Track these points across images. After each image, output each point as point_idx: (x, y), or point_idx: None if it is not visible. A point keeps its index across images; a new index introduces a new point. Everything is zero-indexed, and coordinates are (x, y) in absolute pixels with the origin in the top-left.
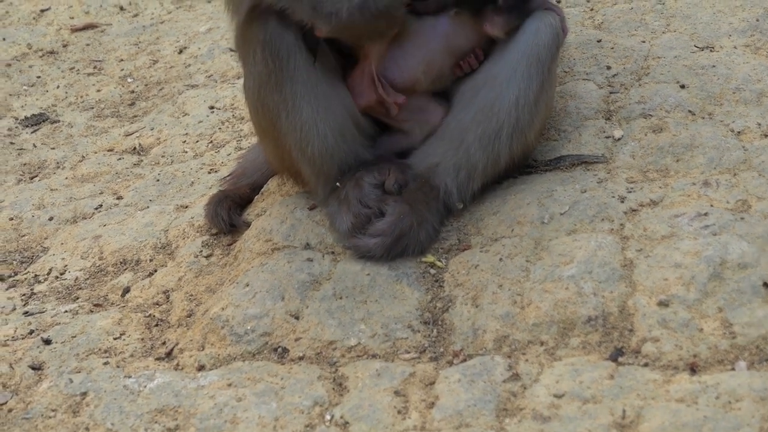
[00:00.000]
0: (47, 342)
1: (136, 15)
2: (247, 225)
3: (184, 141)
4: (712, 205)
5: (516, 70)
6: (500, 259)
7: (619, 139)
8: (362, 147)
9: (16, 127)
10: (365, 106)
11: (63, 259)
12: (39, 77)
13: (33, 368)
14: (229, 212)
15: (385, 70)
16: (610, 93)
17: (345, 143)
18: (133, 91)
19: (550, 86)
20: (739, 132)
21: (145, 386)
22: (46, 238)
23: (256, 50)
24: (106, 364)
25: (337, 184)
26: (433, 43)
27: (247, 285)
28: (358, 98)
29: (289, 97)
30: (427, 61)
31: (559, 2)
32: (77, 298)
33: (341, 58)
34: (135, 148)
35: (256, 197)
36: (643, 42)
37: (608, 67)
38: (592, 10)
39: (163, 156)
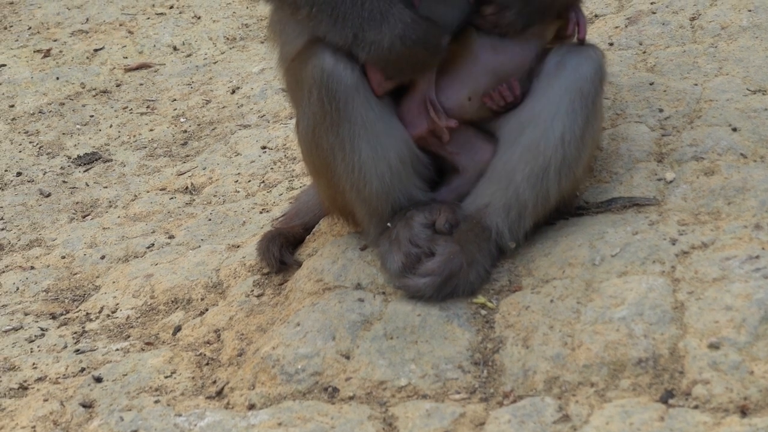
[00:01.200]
0: (98, 380)
1: (189, 55)
2: (298, 264)
3: (236, 181)
4: (763, 248)
5: (559, 106)
6: (551, 301)
7: (670, 181)
8: (416, 188)
9: (69, 166)
10: (417, 137)
11: (114, 297)
12: (92, 116)
13: (84, 406)
14: (281, 250)
15: (435, 97)
16: (662, 135)
17: (401, 183)
18: (185, 131)
19: (595, 120)
20: None
21: (196, 425)
22: (97, 277)
23: (311, 91)
24: (156, 402)
25: (388, 224)
26: (477, 68)
27: (298, 324)
28: (410, 128)
29: (346, 138)
30: (472, 85)
31: (611, 45)
32: (128, 337)
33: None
34: (187, 188)
35: (307, 237)
36: (696, 85)
37: (660, 110)
38: (644, 53)
39: (215, 195)
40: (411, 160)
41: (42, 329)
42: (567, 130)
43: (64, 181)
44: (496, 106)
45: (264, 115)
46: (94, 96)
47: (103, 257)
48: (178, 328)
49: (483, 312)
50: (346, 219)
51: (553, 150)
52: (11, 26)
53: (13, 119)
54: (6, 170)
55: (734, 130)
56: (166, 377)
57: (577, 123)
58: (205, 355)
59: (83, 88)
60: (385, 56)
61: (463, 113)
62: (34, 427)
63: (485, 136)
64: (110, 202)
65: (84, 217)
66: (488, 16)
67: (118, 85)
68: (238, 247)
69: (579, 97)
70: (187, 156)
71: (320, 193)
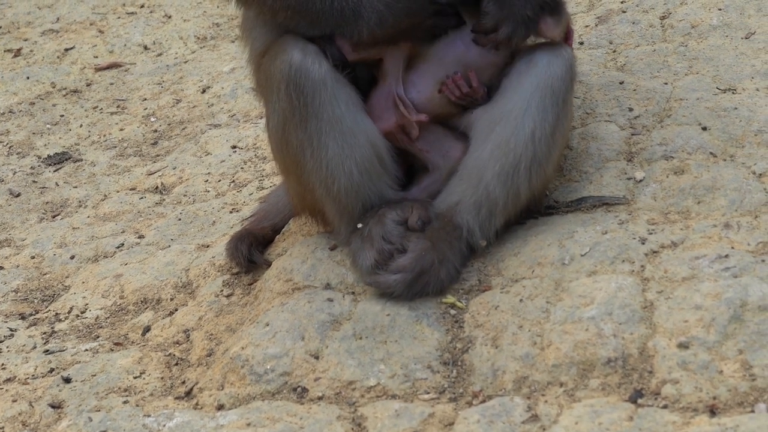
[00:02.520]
0: (67, 380)
1: (159, 54)
2: (268, 264)
3: (206, 180)
4: (732, 247)
5: (530, 103)
6: (520, 300)
7: (640, 180)
8: (386, 186)
9: (39, 166)
10: (386, 131)
11: (84, 297)
12: (62, 116)
13: (53, 407)
14: (250, 248)
15: (403, 91)
16: (632, 135)
17: (370, 180)
18: (155, 131)
19: (565, 118)
20: (760, 174)
21: (164, 425)
22: (67, 277)
23: (280, 87)
24: (125, 403)
25: (359, 225)
26: (449, 58)
27: (268, 324)
28: (378, 122)
29: (314, 134)
30: (442, 76)
31: (581, 44)
32: (98, 337)
33: (360, 87)
34: (157, 187)
35: (277, 237)
36: (666, 84)
37: (630, 109)
38: (614, 51)
39: (185, 195)
40: (379, 158)
41: (11, 329)
42: (537, 127)
43: (34, 181)
44: (453, 96)
45: (234, 115)
46: (64, 95)
47: (72, 257)
48: (147, 329)
49: (452, 312)
50: (316, 218)
51: (523, 147)
52: None
53: None
54: None
55: (704, 129)
56: (135, 378)
57: (548, 120)
58: (174, 355)
59: (53, 87)
60: (370, 42)
61: (433, 107)
62: (2, 427)
63: (456, 135)
64: (80, 201)
65: (54, 216)
66: (487, 37)
67: (88, 85)
68: (208, 246)
69: (550, 95)
70: (158, 155)
71: (290, 192)
